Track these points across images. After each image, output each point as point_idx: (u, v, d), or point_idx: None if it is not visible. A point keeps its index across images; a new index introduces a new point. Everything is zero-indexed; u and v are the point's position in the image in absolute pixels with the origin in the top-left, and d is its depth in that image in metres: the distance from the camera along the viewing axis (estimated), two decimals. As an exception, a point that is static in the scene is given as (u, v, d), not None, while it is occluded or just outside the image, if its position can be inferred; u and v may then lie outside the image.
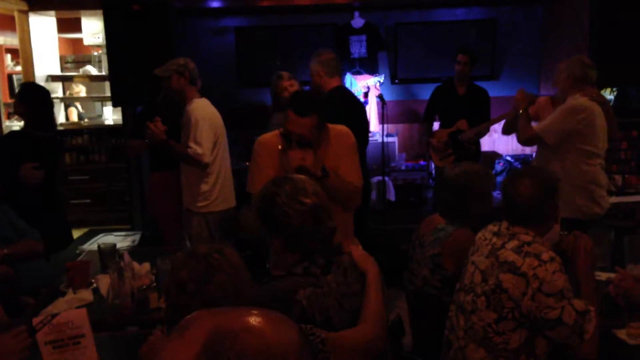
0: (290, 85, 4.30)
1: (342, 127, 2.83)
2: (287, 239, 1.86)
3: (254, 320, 0.81)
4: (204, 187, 3.81)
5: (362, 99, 6.48)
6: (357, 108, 4.23)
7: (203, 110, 3.76)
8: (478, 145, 5.24)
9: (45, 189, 3.89)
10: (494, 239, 2.20)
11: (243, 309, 0.84)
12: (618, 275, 2.36)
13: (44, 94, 4.11)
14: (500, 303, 2.06)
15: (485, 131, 5.14)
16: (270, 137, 2.78)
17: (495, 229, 2.25)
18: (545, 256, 2.02)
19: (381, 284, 1.96)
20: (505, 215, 2.24)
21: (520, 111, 3.69)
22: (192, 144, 3.68)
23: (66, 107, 7.39)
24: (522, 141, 3.74)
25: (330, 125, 2.77)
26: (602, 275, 2.60)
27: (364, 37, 6.87)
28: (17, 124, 6.42)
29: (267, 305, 0.91)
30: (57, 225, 3.99)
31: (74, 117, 7.32)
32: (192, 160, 3.72)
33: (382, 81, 6.56)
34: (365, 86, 6.54)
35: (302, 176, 2.00)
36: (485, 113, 5.17)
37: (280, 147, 2.67)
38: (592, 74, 3.63)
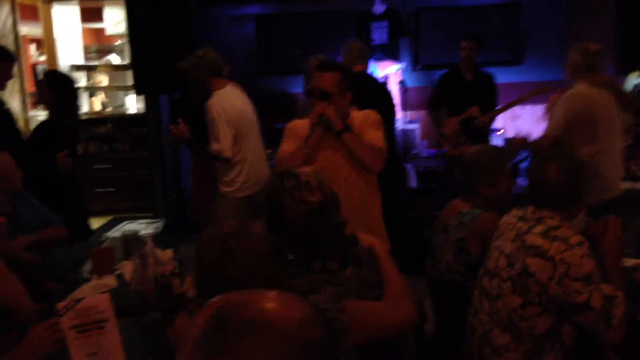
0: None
1: (368, 110, 2.95)
2: (294, 241, 1.80)
3: (260, 298, 0.87)
4: (229, 175, 3.90)
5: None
6: (378, 91, 4.21)
7: (220, 105, 3.78)
8: (488, 132, 5.18)
9: (67, 178, 3.95)
10: (520, 224, 2.18)
11: (257, 290, 0.88)
12: (645, 261, 2.32)
13: (70, 81, 4.17)
14: (526, 287, 2.04)
15: (495, 116, 5.06)
16: (300, 121, 2.94)
17: (520, 213, 2.23)
18: (573, 240, 2.00)
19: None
20: (531, 199, 2.22)
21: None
22: (212, 141, 3.79)
23: (90, 97, 7.45)
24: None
25: (356, 111, 2.90)
26: (628, 262, 2.56)
27: (385, 24, 6.80)
28: (41, 114, 6.50)
29: None
30: (77, 215, 4.04)
31: (97, 107, 7.38)
32: (214, 156, 3.83)
33: (403, 68, 6.49)
34: (385, 75, 6.48)
35: (307, 169, 1.89)
36: (493, 99, 5.10)
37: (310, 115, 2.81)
38: (595, 61, 3.61)
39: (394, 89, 6.56)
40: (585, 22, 6.22)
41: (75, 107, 4.23)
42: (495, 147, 2.79)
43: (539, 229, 2.09)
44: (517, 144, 3.81)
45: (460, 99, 5.01)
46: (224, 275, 1.48)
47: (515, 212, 2.27)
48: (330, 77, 2.74)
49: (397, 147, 4.26)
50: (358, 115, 2.87)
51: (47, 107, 4.16)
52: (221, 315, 0.83)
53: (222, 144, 3.74)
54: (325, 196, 1.80)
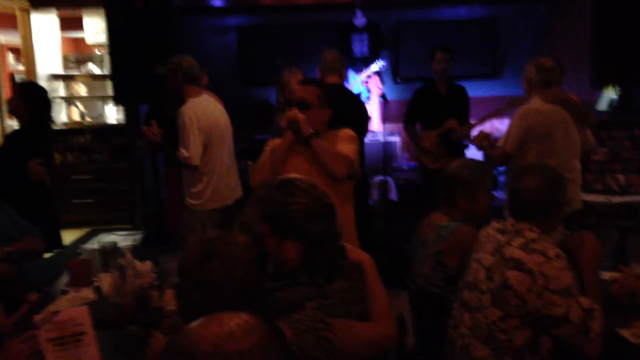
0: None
1: (346, 129, 2.97)
2: (310, 244, 1.79)
3: (215, 326, 0.93)
4: (197, 187, 3.83)
5: (366, 92, 6.47)
6: (352, 103, 4.20)
7: (193, 112, 3.72)
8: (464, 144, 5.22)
9: (39, 188, 3.92)
10: (499, 236, 2.20)
11: (216, 320, 0.94)
12: (622, 274, 2.35)
13: (45, 93, 4.13)
14: (505, 300, 2.05)
15: (473, 129, 5.09)
16: (278, 140, 2.98)
17: (500, 226, 2.24)
18: (551, 253, 2.01)
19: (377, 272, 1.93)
20: (510, 211, 2.24)
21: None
22: (180, 147, 3.72)
23: (68, 106, 7.38)
24: (497, 165, 3.85)
25: (332, 131, 2.94)
26: (606, 275, 2.59)
27: (365, 36, 6.86)
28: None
29: (278, 311, 1.00)
30: (49, 225, 3.99)
31: (76, 117, 7.31)
32: (182, 163, 3.75)
33: (384, 64, 6.49)
34: (368, 75, 6.49)
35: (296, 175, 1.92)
36: (466, 111, 5.15)
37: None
38: (548, 75, 3.69)
39: (375, 100, 6.60)
40: (562, 37, 6.33)
41: (49, 119, 4.21)
42: (478, 162, 2.80)
43: (518, 241, 2.10)
44: (479, 138, 3.86)
45: (434, 113, 5.04)
46: (203, 278, 1.48)
47: (495, 225, 2.29)
48: (311, 89, 2.82)
49: (364, 160, 4.25)
50: (334, 133, 2.93)
51: (19, 118, 4.10)
52: (175, 347, 0.89)
53: (191, 151, 3.68)
54: (329, 205, 1.85)
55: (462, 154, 5.02)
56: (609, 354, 2.01)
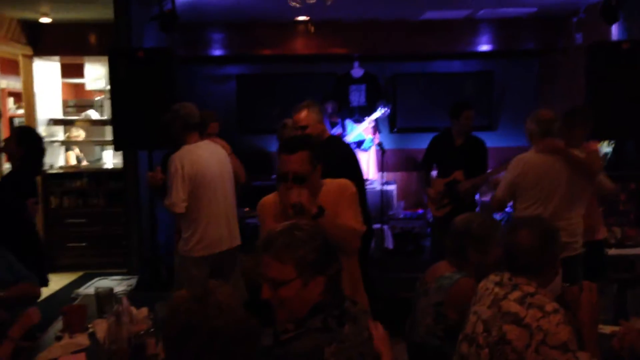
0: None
1: (342, 180, 2.83)
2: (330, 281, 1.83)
3: None
4: (186, 233, 3.83)
5: (369, 137, 6.54)
6: (349, 153, 4.19)
7: (180, 159, 3.75)
8: (473, 196, 5.23)
9: (26, 229, 3.96)
10: (497, 289, 2.19)
11: None
12: (622, 328, 2.34)
13: (39, 139, 4.24)
14: (503, 355, 2.03)
15: (481, 183, 5.13)
16: (271, 197, 2.80)
17: (498, 279, 2.24)
18: (549, 307, 2.01)
19: None
20: (507, 265, 2.24)
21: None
22: (167, 195, 3.77)
23: (66, 150, 7.41)
24: (494, 212, 3.88)
25: (330, 180, 2.78)
26: (605, 329, 2.57)
27: (363, 87, 6.99)
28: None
29: None
30: (35, 265, 3.99)
31: (72, 161, 7.34)
32: (168, 209, 3.83)
33: (387, 111, 6.56)
34: (371, 121, 6.56)
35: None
36: (483, 163, 5.18)
37: (280, 202, 2.66)
38: (546, 127, 3.74)
39: (372, 150, 6.67)
40: (556, 91, 6.45)
41: (41, 163, 4.30)
42: (485, 215, 2.81)
43: (515, 295, 2.10)
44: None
45: (449, 162, 5.10)
46: (196, 326, 1.45)
47: (493, 277, 2.28)
48: (299, 158, 2.57)
49: (368, 209, 4.22)
50: (332, 188, 2.74)
51: (11, 160, 4.23)
52: None
53: (173, 198, 3.71)
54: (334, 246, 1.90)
55: (466, 205, 5.03)
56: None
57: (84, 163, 7.37)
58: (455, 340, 2.35)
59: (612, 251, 4.61)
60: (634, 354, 2.26)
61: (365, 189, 4.19)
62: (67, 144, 7.39)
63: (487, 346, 2.09)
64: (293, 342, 1.74)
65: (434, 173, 5.39)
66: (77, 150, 7.45)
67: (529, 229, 2.21)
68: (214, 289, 1.53)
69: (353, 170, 3.86)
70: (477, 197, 5.72)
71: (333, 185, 2.76)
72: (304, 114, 3.87)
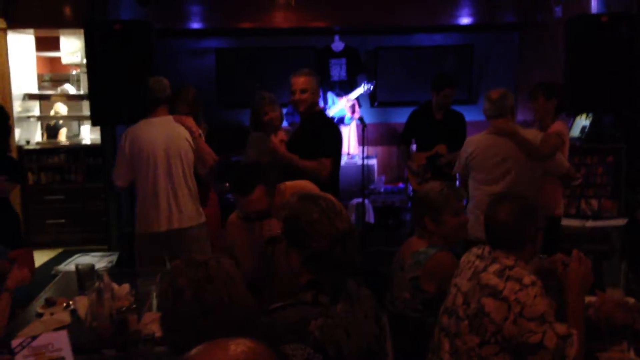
0: (271, 110, 4.26)
1: (300, 183, 2.89)
2: (309, 258, 1.84)
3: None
4: (136, 208, 3.87)
5: (349, 115, 6.52)
6: (327, 128, 4.17)
7: (127, 134, 3.79)
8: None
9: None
10: (477, 262, 2.22)
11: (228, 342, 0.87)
12: (599, 299, 2.38)
13: (4, 116, 4.15)
14: (482, 327, 2.07)
15: None
16: (234, 216, 2.85)
17: (479, 252, 2.27)
18: (526, 280, 2.04)
19: None
20: (487, 240, 2.27)
21: None
22: None
23: (48, 127, 7.28)
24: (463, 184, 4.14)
25: (288, 184, 2.83)
26: (583, 299, 2.62)
27: (343, 61, 6.95)
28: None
29: (279, 335, 0.96)
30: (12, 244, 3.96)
31: (63, 137, 7.23)
32: None
33: (370, 88, 6.54)
34: (353, 99, 6.54)
35: (336, 201, 1.95)
36: (462, 137, 5.20)
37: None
38: (498, 104, 3.81)
39: (353, 123, 6.65)
40: (535, 65, 6.47)
41: (6, 140, 4.21)
42: (446, 184, 2.82)
43: (494, 267, 2.13)
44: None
45: (429, 136, 5.10)
46: (201, 301, 1.47)
47: (475, 251, 2.32)
48: (256, 198, 2.58)
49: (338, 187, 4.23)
50: (291, 187, 2.79)
51: None
52: None
53: (114, 172, 3.81)
54: (351, 228, 1.89)
55: (449, 179, 5.07)
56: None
57: (62, 139, 7.26)
58: (435, 311, 2.39)
59: (589, 223, 4.68)
60: (610, 324, 2.31)
61: (340, 167, 4.17)
62: (44, 119, 7.27)
63: (466, 318, 2.12)
64: (280, 311, 1.77)
65: (413, 147, 5.40)
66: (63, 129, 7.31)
67: (507, 204, 2.24)
68: (216, 274, 1.54)
69: (324, 145, 3.89)
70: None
71: (291, 189, 2.76)
72: (303, 78, 3.87)
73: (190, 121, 3.85)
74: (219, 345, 0.89)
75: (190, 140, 3.79)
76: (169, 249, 3.80)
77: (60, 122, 7.32)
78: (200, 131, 3.84)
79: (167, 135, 3.78)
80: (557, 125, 4.05)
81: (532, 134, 3.88)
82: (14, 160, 4.37)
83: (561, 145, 3.92)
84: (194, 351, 0.90)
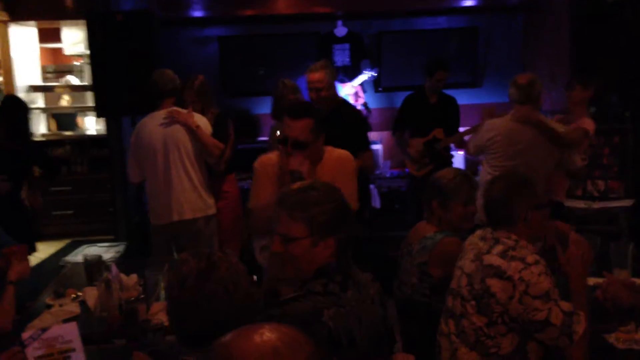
0: (294, 98, 4.22)
1: (343, 152, 2.85)
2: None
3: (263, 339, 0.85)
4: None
5: (353, 101, 6.48)
6: (360, 120, 4.12)
7: (136, 129, 3.90)
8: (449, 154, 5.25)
9: (9, 201, 3.92)
10: (480, 243, 2.24)
11: (259, 327, 0.86)
12: (606, 280, 2.38)
13: (24, 107, 4.16)
14: (489, 307, 2.08)
15: (458, 141, 5.12)
16: (272, 157, 2.80)
17: (482, 233, 2.28)
18: (530, 259, 2.06)
19: None
20: (488, 221, 2.30)
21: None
22: None
23: (48, 118, 7.30)
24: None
25: (331, 148, 2.80)
26: (590, 281, 2.62)
27: (347, 46, 6.90)
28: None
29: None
30: (21, 238, 3.98)
31: (54, 128, 7.25)
32: None
33: (374, 74, 6.51)
34: (359, 84, 6.50)
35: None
36: (456, 121, 5.18)
37: (279, 165, 2.66)
38: (525, 91, 3.78)
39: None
40: (540, 47, 6.42)
41: (21, 131, 4.22)
42: (460, 171, 2.82)
43: (497, 248, 2.15)
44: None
45: (423, 121, 5.06)
46: (206, 291, 1.50)
47: (479, 232, 2.33)
48: (304, 126, 2.58)
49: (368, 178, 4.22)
50: (332, 157, 2.76)
51: None
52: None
53: (128, 166, 3.94)
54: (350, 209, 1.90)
55: (447, 164, 5.07)
56: (595, 359, 2.04)
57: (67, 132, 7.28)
58: (441, 297, 2.40)
59: (596, 204, 4.67)
60: (617, 305, 2.31)
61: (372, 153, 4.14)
62: (49, 111, 7.28)
63: (472, 299, 2.14)
64: (291, 303, 1.75)
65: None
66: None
67: (501, 183, 2.28)
68: (219, 263, 1.57)
69: (361, 138, 3.87)
70: (459, 154, 5.75)
71: (334, 155, 2.78)
72: (320, 74, 3.74)
73: (184, 116, 3.79)
74: (253, 330, 0.87)
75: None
76: (176, 240, 3.83)
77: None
78: (197, 123, 3.79)
79: (167, 128, 3.79)
80: (587, 123, 4.00)
81: (557, 125, 3.87)
82: (47, 155, 4.41)
83: (584, 143, 3.92)
84: (227, 337, 0.87)
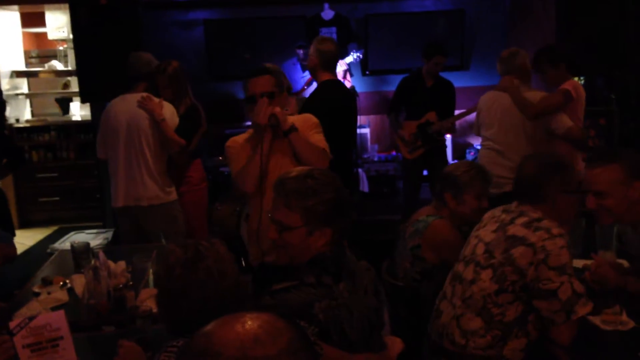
0: None
1: (305, 114, 3.01)
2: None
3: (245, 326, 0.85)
4: None
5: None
6: (345, 104, 4.02)
7: (107, 108, 3.87)
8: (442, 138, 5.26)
9: None
10: (503, 215, 2.26)
11: (240, 316, 0.86)
12: (594, 262, 2.40)
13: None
14: (503, 275, 2.10)
15: (453, 125, 5.14)
16: (240, 138, 2.91)
17: (506, 207, 2.31)
18: (555, 231, 2.07)
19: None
20: (515, 196, 2.30)
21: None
22: None
23: (32, 103, 7.22)
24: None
25: (294, 116, 2.96)
26: (578, 262, 2.64)
27: (333, 29, 6.86)
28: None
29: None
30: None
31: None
32: None
33: (359, 56, 6.48)
34: (345, 64, 6.47)
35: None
36: (451, 105, 5.19)
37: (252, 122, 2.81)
38: (505, 63, 4.01)
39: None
40: (527, 29, 6.42)
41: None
42: (476, 165, 2.84)
43: (521, 220, 2.16)
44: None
45: (419, 104, 5.08)
46: (194, 279, 1.53)
47: (501, 207, 2.35)
48: (265, 81, 2.77)
49: (356, 153, 4.24)
50: (297, 119, 2.88)
51: None
52: (196, 350, 0.83)
53: (97, 144, 3.92)
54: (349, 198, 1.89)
55: (439, 147, 5.11)
56: (580, 341, 2.06)
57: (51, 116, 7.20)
58: (431, 282, 2.41)
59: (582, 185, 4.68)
60: (604, 286, 2.34)
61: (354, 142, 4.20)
62: (32, 96, 7.20)
63: (489, 267, 2.15)
64: (284, 293, 1.75)
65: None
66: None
67: (535, 159, 2.29)
68: (205, 252, 1.58)
69: (350, 118, 3.97)
70: (447, 137, 5.77)
71: (297, 117, 2.93)
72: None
73: (152, 105, 3.72)
74: (235, 319, 0.86)
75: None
76: (139, 223, 3.82)
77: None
78: (163, 116, 3.70)
79: (133, 112, 3.74)
80: (566, 84, 3.83)
81: (536, 94, 3.86)
82: (14, 144, 4.34)
83: (565, 104, 3.77)
84: (209, 326, 0.86)
